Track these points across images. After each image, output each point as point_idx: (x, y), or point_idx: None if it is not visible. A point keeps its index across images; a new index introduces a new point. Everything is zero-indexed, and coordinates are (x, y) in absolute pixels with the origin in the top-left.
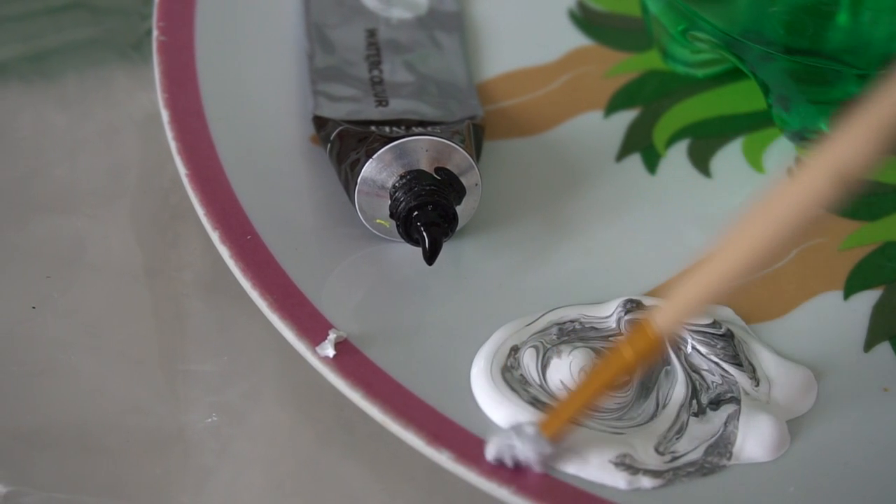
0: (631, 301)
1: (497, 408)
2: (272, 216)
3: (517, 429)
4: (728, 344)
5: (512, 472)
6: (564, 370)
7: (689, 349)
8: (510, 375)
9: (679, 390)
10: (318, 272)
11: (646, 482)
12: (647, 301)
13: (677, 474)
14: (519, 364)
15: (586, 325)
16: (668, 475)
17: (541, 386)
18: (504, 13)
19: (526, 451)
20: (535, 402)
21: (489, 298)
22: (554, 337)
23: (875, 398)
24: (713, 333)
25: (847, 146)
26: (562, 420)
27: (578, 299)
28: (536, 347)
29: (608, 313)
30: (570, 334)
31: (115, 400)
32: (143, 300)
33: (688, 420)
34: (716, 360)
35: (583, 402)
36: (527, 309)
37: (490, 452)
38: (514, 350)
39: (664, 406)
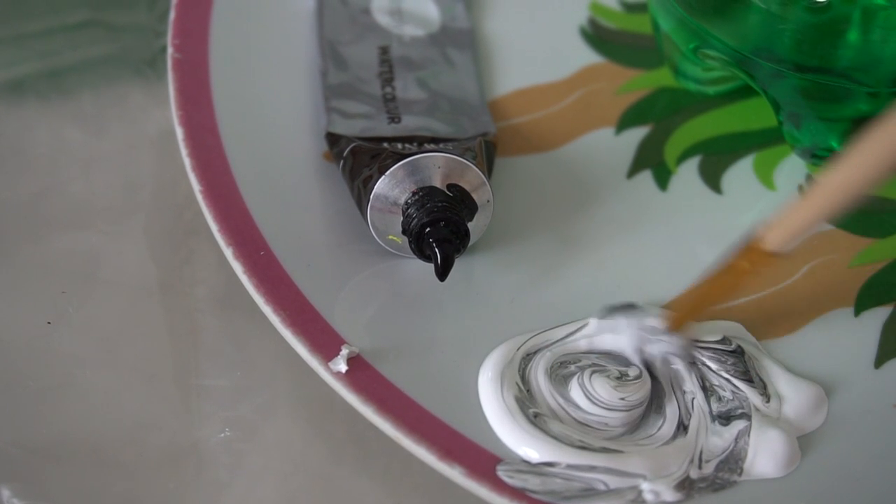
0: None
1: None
2: (285, 232)
3: (643, 326)
4: (738, 360)
5: (522, 491)
6: (577, 390)
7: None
8: (519, 392)
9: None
10: (331, 288)
11: (668, 496)
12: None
13: (692, 488)
14: (528, 376)
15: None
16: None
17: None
18: (516, 30)
19: (660, 348)
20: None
21: (501, 314)
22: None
23: (885, 415)
24: (723, 350)
25: None
26: (682, 318)
27: (590, 315)
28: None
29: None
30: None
31: (129, 414)
32: (157, 315)
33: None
34: (726, 376)
35: (700, 303)
36: (539, 324)
37: (626, 343)
38: (526, 360)
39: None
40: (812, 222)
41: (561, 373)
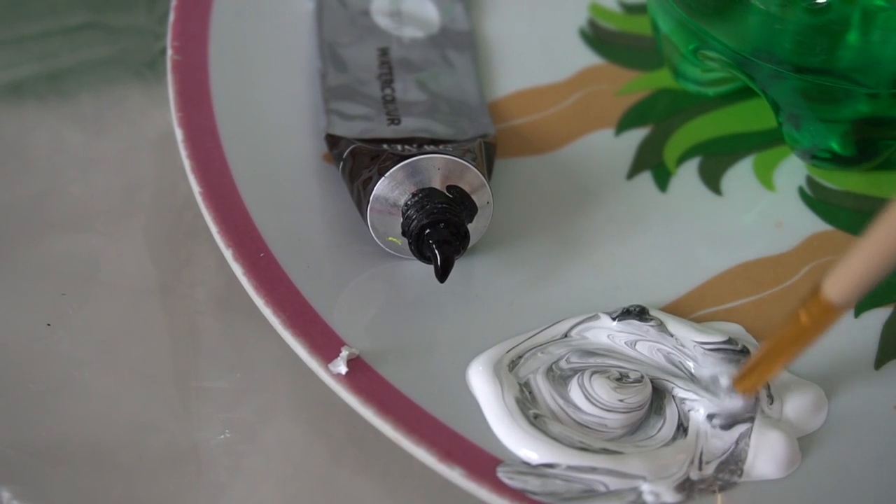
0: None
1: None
2: (285, 234)
3: (714, 382)
4: (745, 360)
5: (522, 492)
6: (576, 392)
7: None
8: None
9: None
10: (331, 289)
11: (668, 497)
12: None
13: (693, 490)
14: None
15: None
16: (687, 490)
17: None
18: (515, 32)
19: (722, 404)
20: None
21: (501, 315)
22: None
23: (885, 416)
24: (731, 350)
25: None
26: (753, 379)
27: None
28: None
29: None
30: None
31: (128, 416)
32: (156, 317)
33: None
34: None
35: (766, 363)
36: (538, 326)
37: (693, 397)
38: (514, 361)
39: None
40: (876, 269)
41: (567, 372)
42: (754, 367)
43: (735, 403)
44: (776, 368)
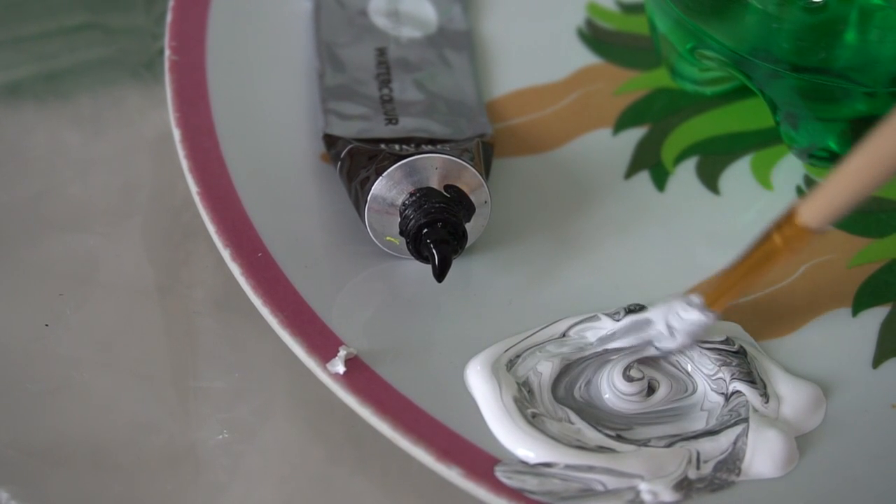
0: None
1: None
2: (283, 234)
3: (686, 299)
4: (742, 361)
5: (520, 492)
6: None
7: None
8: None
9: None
10: (329, 289)
11: (666, 496)
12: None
13: (691, 489)
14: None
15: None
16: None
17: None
18: (513, 31)
19: (691, 318)
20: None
21: (499, 315)
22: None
23: (883, 415)
24: (728, 350)
25: None
26: (720, 294)
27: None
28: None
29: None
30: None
31: (127, 417)
32: (154, 318)
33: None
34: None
35: (734, 281)
36: (536, 325)
37: (656, 316)
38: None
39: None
40: (851, 195)
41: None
42: (723, 283)
43: (706, 318)
44: (745, 286)
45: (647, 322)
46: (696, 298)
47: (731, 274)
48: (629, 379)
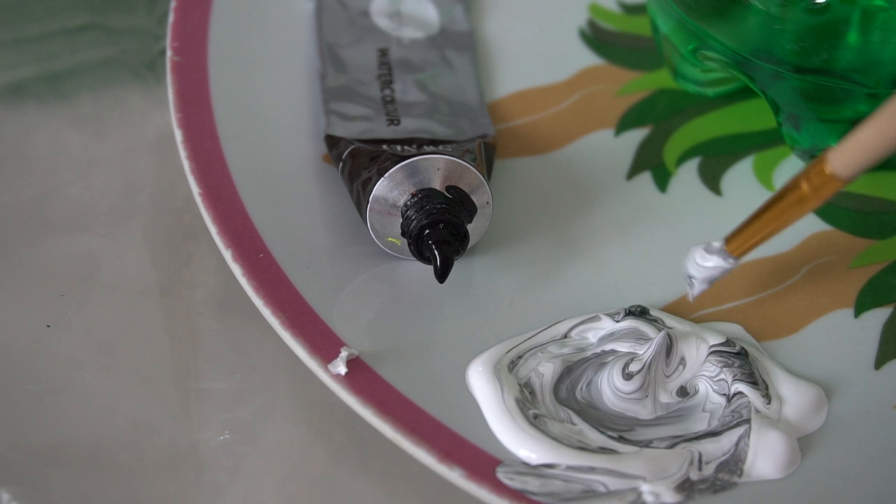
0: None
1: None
2: (284, 234)
3: (706, 245)
4: (744, 362)
5: (522, 493)
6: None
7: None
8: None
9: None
10: (330, 290)
11: (668, 497)
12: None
13: (692, 490)
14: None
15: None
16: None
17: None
18: (515, 32)
19: (710, 263)
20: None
21: (500, 316)
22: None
23: (885, 416)
24: (729, 352)
25: None
26: (744, 240)
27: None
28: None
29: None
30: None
31: (128, 418)
32: (156, 318)
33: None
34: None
35: (758, 227)
36: (537, 326)
37: (689, 268)
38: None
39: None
40: (883, 143)
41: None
42: (747, 228)
43: (727, 264)
44: (768, 234)
45: (646, 333)
46: (716, 243)
47: (755, 221)
48: (628, 377)
